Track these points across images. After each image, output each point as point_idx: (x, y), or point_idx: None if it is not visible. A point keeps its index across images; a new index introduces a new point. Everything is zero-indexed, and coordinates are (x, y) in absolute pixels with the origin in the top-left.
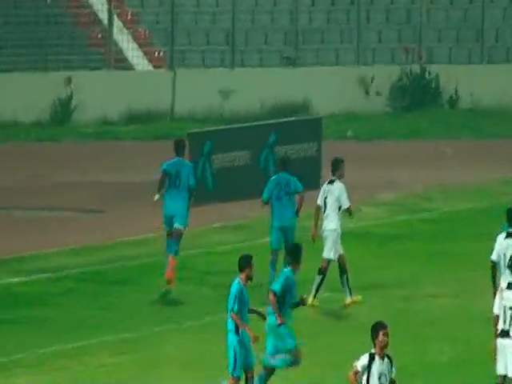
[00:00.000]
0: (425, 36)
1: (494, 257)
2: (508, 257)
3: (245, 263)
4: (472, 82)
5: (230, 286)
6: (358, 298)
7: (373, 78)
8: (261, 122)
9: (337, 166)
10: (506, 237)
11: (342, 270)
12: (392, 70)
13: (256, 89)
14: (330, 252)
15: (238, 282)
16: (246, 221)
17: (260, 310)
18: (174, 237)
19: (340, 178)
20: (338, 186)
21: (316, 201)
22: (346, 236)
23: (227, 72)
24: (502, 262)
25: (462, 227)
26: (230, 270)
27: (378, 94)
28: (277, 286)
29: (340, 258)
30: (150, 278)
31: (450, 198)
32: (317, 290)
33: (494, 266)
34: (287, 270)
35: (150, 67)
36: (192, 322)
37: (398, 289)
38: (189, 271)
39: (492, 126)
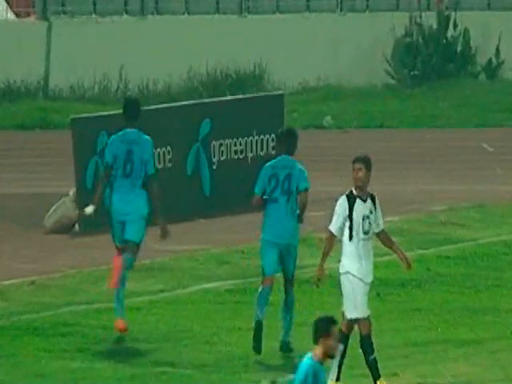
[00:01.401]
0: None
1: None
2: None
3: (322, 330)
4: None
5: (298, 365)
6: None
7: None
8: (187, 103)
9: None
10: None
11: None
12: (396, 20)
13: (179, 49)
14: (348, 308)
15: (309, 358)
16: (166, 259)
17: None
18: (125, 252)
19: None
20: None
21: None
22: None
23: (133, 22)
24: None
25: (507, 268)
26: (140, 339)
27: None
28: None
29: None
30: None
31: (489, 222)
32: (339, 369)
33: None
34: None
35: (12, 15)
36: None
37: (409, 369)
38: (78, 338)
39: None
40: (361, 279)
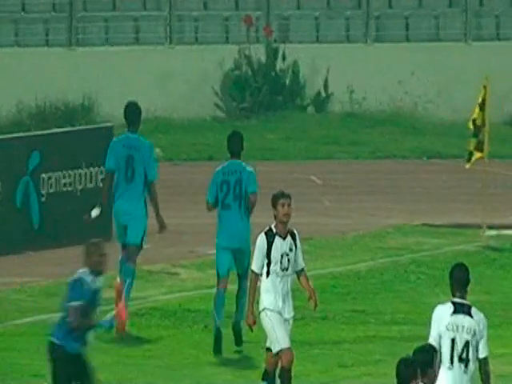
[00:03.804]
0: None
1: (431, 342)
2: (461, 343)
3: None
4: (351, 72)
5: None
6: None
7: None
8: (16, 135)
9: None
10: (456, 312)
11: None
12: (225, 53)
13: (8, 81)
14: (272, 343)
15: None
16: None
17: None
18: (125, 256)
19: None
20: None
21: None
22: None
23: None
24: (445, 352)
25: (334, 300)
26: None
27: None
28: None
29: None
30: None
31: (317, 255)
32: None
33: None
34: None
35: None
36: None
37: None
38: None
39: (382, 140)
40: (278, 312)
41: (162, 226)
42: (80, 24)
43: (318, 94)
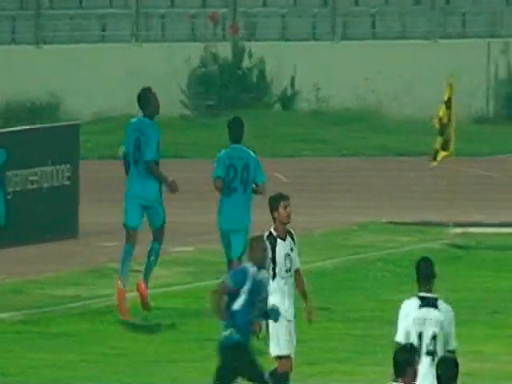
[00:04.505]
0: None
1: (400, 337)
2: (428, 336)
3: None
4: (317, 70)
5: None
6: None
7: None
8: None
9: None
10: (422, 305)
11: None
12: (191, 50)
13: None
14: (271, 346)
15: None
16: None
17: None
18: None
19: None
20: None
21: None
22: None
23: None
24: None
25: (299, 295)
26: None
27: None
28: None
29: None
30: None
31: None
32: None
33: None
34: None
35: None
36: None
37: None
38: None
39: (348, 138)
40: (284, 317)
41: (171, 187)
42: (46, 22)
43: (285, 91)
